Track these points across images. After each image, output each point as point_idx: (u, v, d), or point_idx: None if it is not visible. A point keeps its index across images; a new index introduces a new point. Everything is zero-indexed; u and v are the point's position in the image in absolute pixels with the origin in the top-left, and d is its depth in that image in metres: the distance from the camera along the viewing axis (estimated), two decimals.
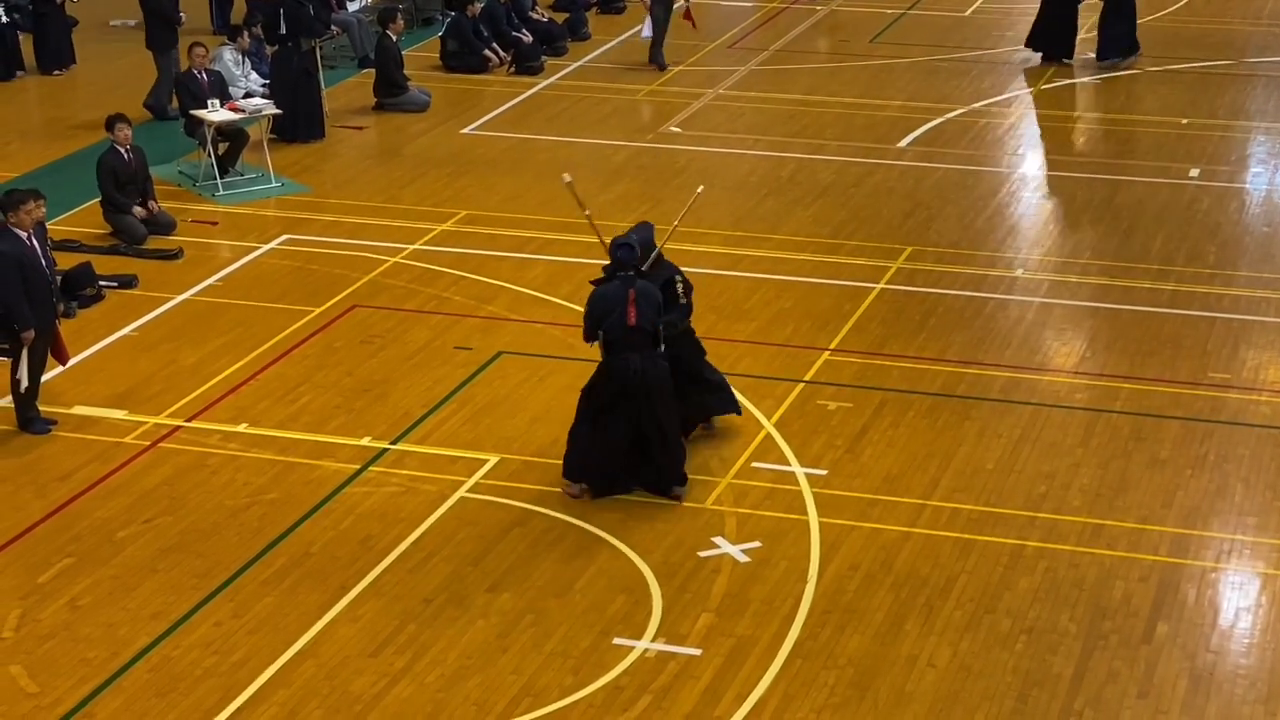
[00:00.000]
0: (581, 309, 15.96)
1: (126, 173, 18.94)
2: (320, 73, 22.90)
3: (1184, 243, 18.73)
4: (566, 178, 14.96)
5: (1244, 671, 11.49)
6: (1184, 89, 24.34)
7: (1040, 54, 25.57)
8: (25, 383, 14.51)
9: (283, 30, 22.41)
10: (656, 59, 25.32)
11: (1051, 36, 25.48)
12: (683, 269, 14.26)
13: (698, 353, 14.29)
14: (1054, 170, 21.26)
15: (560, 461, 13.92)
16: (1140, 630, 11.90)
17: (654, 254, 13.80)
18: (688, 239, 18.56)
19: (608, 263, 13.59)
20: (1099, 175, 20.92)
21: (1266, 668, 11.52)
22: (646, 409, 13.29)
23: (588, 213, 14.39)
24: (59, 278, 16.85)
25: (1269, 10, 28.63)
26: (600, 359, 13.53)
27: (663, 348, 13.45)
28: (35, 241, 14.62)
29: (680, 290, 13.96)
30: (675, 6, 25.37)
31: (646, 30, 25.18)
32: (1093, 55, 25.73)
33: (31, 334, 14.46)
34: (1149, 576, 12.53)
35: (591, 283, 13.65)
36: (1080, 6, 25.59)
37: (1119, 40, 25.36)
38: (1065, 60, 25.39)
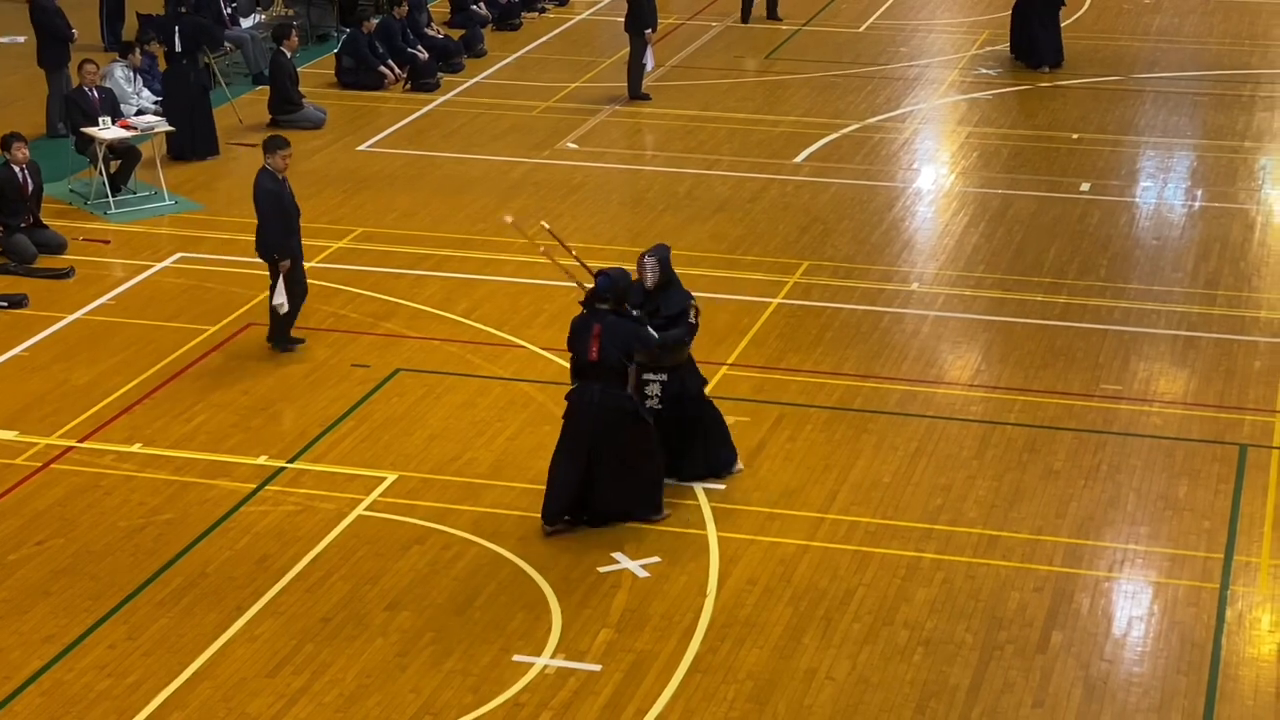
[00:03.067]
0: (479, 325, 15.91)
1: (16, 192, 18.72)
2: (215, 89, 22.71)
3: (1076, 256, 18.96)
4: (508, 219, 15.25)
5: (1137, 679, 11.63)
6: (1074, 104, 24.64)
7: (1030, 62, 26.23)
8: (286, 306, 16.17)
9: (177, 47, 22.22)
10: (641, 91, 24.73)
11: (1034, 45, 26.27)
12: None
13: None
14: (947, 184, 21.46)
15: (459, 479, 13.92)
16: (1035, 640, 12.01)
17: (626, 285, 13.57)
18: (584, 255, 18.56)
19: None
20: (992, 189, 21.14)
21: (1159, 675, 11.66)
22: (603, 441, 13.11)
23: (541, 247, 14.16)
24: None
25: (1156, 27, 29.05)
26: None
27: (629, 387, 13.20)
28: (287, 185, 16.40)
29: (692, 315, 13.75)
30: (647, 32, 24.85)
31: (650, 62, 24.46)
32: (984, 70, 26.08)
33: (289, 263, 16.09)
34: (1044, 587, 12.66)
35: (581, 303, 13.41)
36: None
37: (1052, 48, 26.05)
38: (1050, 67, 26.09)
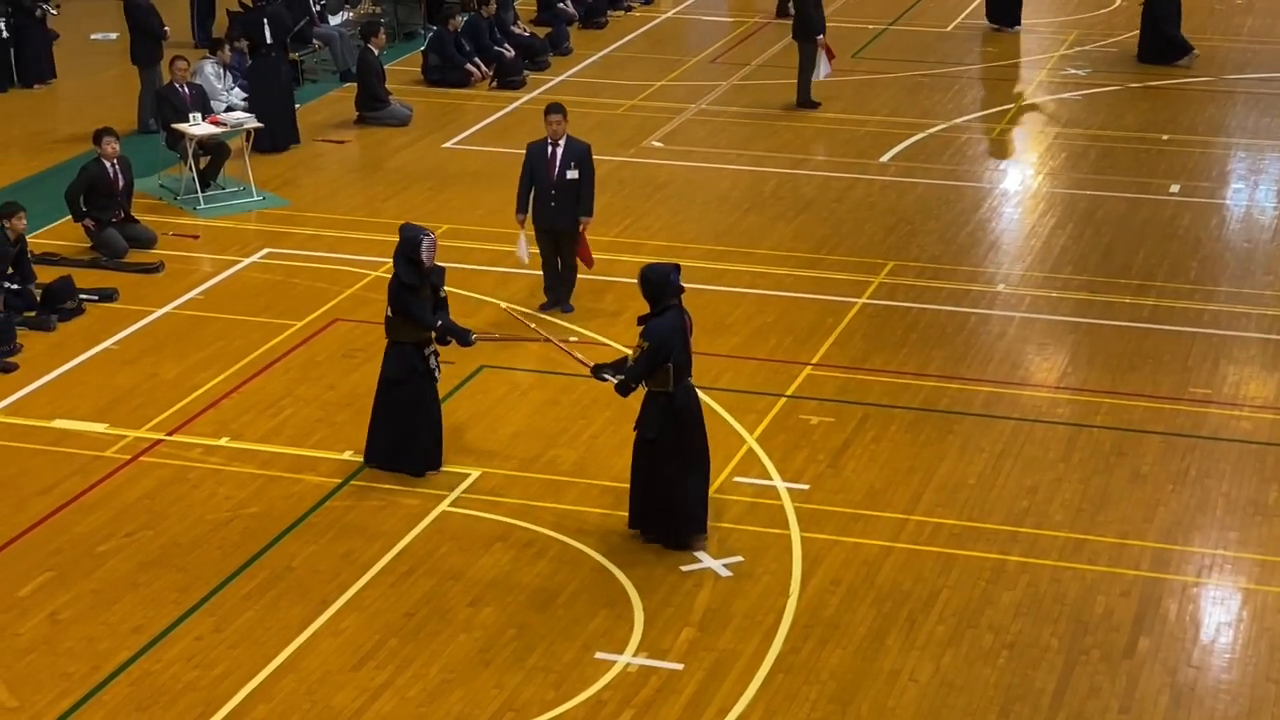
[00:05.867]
0: (562, 323, 15.89)
1: (107, 186, 18.90)
2: (300, 87, 22.90)
3: (1165, 258, 18.78)
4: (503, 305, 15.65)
5: (1225, 686, 11.51)
6: (1165, 105, 24.42)
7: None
8: (523, 260, 17.21)
9: (268, 39, 22.44)
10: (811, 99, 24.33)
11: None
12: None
13: None
14: (1035, 185, 21.31)
15: (543, 476, 13.96)
16: (1122, 645, 11.91)
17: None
18: (668, 253, 18.58)
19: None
20: (1080, 190, 20.97)
21: (1248, 682, 11.53)
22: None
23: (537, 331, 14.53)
24: (39, 289, 17.08)
25: (1249, 28, 28.74)
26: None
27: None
28: (558, 152, 16.86)
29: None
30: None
31: (825, 69, 24.08)
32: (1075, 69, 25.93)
33: (522, 218, 17.06)
34: (1130, 591, 12.54)
35: (644, 319, 12.92)
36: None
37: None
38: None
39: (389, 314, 13.99)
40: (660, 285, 12.78)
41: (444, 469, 14.18)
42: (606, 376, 13.19)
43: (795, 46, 24.32)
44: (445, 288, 14.20)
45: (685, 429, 12.86)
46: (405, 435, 14.08)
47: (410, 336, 13.94)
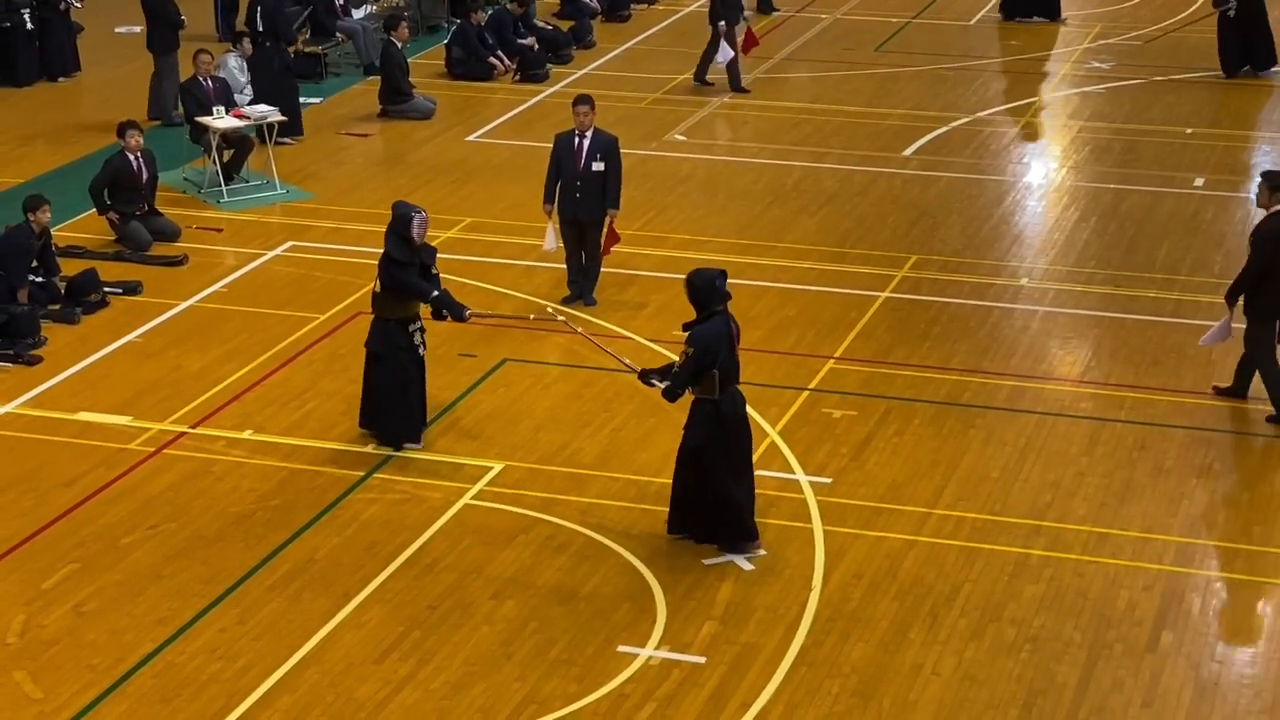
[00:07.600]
0: (586, 316, 15.89)
1: (131, 180, 18.95)
2: (327, 78, 22.89)
3: (1189, 252, 18.73)
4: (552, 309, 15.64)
5: (1249, 680, 11.49)
6: (1188, 98, 24.34)
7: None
8: (547, 248, 17.29)
9: (260, 29, 22.47)
10: (738, 83, 24.66)
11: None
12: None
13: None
14: (1058, 179, 21.27)
15: (565, 469, 13.97)
16: (1145, 639, 11.89)
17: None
18: (691, 247, 18.59)
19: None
20: (1104, 184, 20.93)
21: (1271, 676, 11.51)
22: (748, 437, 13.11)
23: (580, 331, 14.65)
24: (63, 281, 17.21)
25: (1273, 20, 28.57)
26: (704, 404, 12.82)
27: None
28: (584, 143, 16.90)
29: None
30: (736, 27, 24.75)
31: (724, 55, 24.26)
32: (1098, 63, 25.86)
33: (549, 209, 17.09)
34: (1153, 585, 12.52)
35: (689, 325, 12.82)
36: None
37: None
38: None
39: (377, 290, 14.23)
40: (706, 291, 12.75)
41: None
42: (654, 382, 13.12)
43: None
44: (436, 268, 14.43)
45: (732, 436, 12.82)
46: (385, 409, 14.34)
47: (397, 313, 14.19)
